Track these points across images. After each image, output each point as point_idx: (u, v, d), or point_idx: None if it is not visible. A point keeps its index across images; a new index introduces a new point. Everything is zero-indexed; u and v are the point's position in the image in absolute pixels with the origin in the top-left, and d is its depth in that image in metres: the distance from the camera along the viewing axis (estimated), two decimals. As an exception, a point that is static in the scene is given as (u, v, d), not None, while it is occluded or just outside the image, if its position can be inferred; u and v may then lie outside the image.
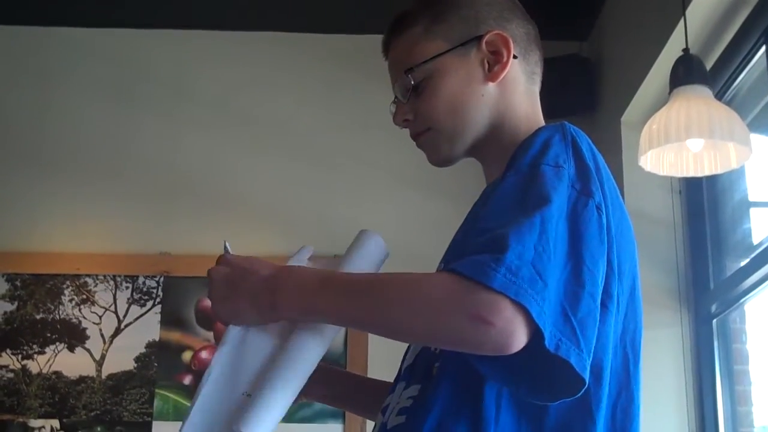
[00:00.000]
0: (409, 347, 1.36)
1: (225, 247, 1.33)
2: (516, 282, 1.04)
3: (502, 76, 1.39)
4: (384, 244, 1.29)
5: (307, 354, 1.21)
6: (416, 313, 1.11)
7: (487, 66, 1.39)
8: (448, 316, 1.08)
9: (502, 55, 1.38)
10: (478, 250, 1.09)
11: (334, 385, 1.60)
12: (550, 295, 1.07)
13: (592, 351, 1.10)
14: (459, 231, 1.37)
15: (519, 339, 1.05)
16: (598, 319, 1.13)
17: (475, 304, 1.05)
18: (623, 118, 3.28)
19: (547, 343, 1.04)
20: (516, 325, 1.04)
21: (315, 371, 1.31)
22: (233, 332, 1.24)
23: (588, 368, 1.08)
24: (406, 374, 1.31)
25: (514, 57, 1.39)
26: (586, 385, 1.08)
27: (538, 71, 1.46)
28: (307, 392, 1.52)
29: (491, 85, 1.39)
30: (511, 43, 1.39)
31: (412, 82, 1.39)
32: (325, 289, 1.19)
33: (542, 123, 1.43)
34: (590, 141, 1.26)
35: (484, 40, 1.39)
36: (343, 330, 1.26)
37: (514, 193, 1.16)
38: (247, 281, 1.24)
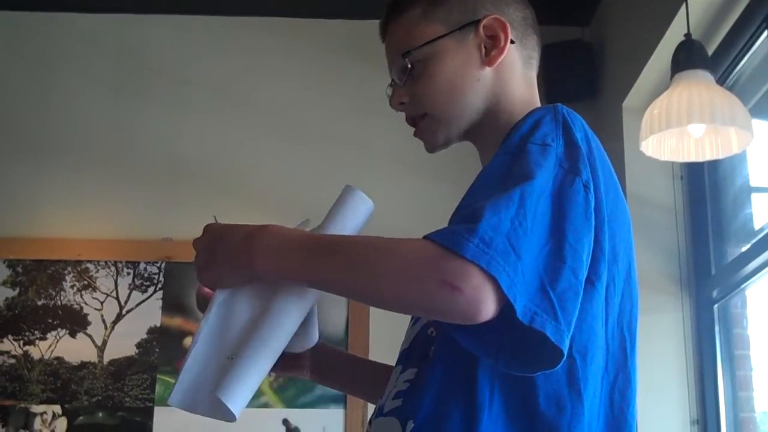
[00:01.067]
0: (407, 331, 1.36)
1: (214, 221, 1.34)
2: (488, 252, 1.04)
3: (498, 61, 1.38)
4: (366, 199, 1.29)
5: (286, 317, 1.21)
6: (387, 277, 1.12)
7: (484, 50, 1.39)
8: (418, 281, 1.08)
9: (499, 40, 1.38)
10: (455, 221, 1.11)
11: (336, 367, 1.61)
12: (525, 268, 1.07)
13: (572, 324, 1.10)
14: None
15: (487, 308, 1.05)
16: (581, 294, 1.12)
17: (445, 271, 1.05)
18: (625, 104, 3.28)
19: (519, 315, 1.04)
20: (484, 293, 1.04)
21: (318, 354, 1.31)
22: (219, 297, 1.24)
23: (566, 340, 1.07)
24: (402, 358, 1.32)
25: (512, 42, 1.39)
26: (564, 356, 1.08)
27: (536, 56, 1.46)
28: (311, 374, 1.52)
29: (488, 69, 1.39)
30: (508, 28, 1.39)
31: (409, 66, 1.39)
32: (300, 249, 1.20)
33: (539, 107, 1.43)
34: (585, 124, 1.25)
35: (482, 25, 1.38)
36: (329, 298, 1.26)
37: (498, 171, 1.16)
38: (225, 243, 1.25)
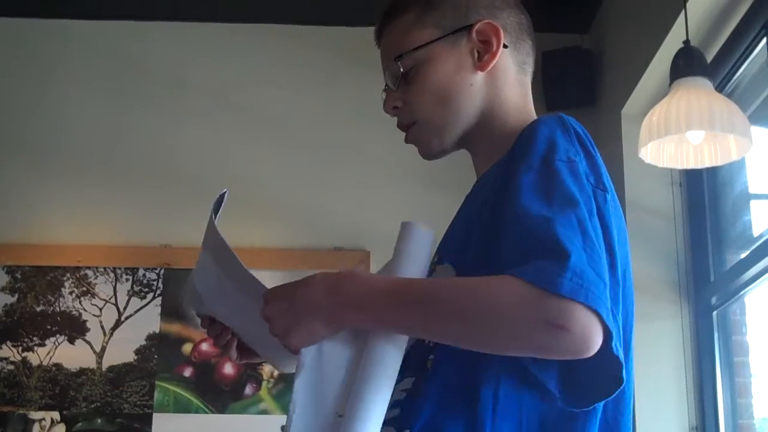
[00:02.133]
0: None
1: (222, 198, 1.35)
2: (583, 285, 1.05)
3: (491, 66, 1.38)
4: (427, 232, 1.24)
5: (388, 362, 1.17)
6: (490, 325, 1.11)
7: (476, 55, 1.38)
8: (525, 325, 1.08)
9: (492, 45, 1.38)
10: (530, 254, 1.09)
11: None
12: (612, 293, 1.10)
13: None
14: (455, 225, 1.38)
15: (595, 342, 1.06)
16: None
17: (550, 312, 1.05)
18: (624, 110, 3.28)
19: (613, 343, 1.07)
20: (591, 329, 1.06)
21: None
22: (308, 354, 1.20)
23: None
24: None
25: (505, 46, 1.39)
26: (623, 386, 1.11)
27: (530, 61, 1.46)
28: None
29: (480, 74, 1.38)
30: (501, 33, 1.38)
31: (402, 70, 1.39)
32: (391, 299, 1.17)
33: (533, 113, 1.43)
34: (585, 129, 1.26)
35: (475, 29, 1.38)
36: None
37: (538, 193, 1.15)
38: (305, 303, 1.21)
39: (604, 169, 1.23)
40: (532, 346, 1.10)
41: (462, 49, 1.39)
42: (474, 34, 1.38)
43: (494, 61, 1.38)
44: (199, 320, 1.49)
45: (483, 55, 1.38)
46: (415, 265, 1.22)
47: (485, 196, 1.29)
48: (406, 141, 1.45)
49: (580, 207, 1.13)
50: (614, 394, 1.11)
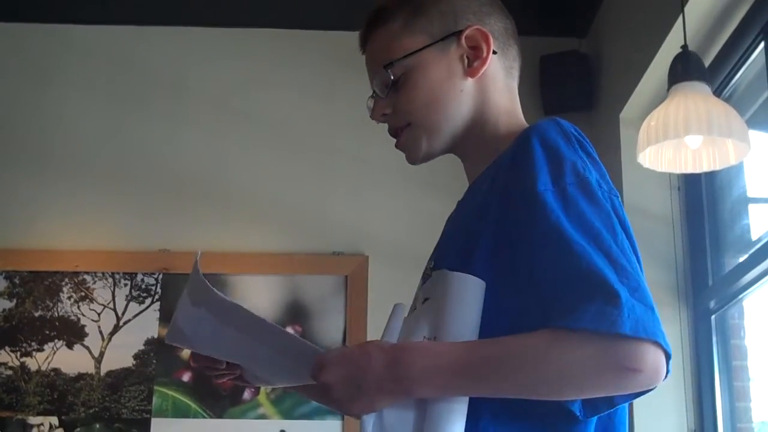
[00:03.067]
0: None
1: (196, 262, 1.34)
2: (639, 321, 1.08)
3: (481, 72, 1.39)
4: (478, 281, 1.21)
5: (453, 422, 1.16)
6: (568, 383, 1.13)
7: (466, 61, 1.39)
8: (602, 376, 1.10)
9: (482, 51, 1.39)
10: (579, 297, 1.10)
11: None
12: (654, 308, 1.12)
13: None
14: (450, 231, 1.39)
15: (663, 374, 1.12)
16: None
17: (623, 358, 1.09)
18: (622, 115, 3.28)
19: (668, 363, 1.13)
20: (659, 363, 1.11)
21: None
22: (370, 421, 1.20)
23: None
24: None
25: (494, 52, 1.39)
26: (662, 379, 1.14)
27: (516, 66, 1.46)
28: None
29: (470, 80, 1.39)
30: (490, 39, 1.39)
31: (392, 77, 1.39)
32: (459, 376, 1.15)
33: (522, 117, 1.43)
34: (581, 131, 1.27)
35: (464, 35, 1.39)
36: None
37: (561, 225, 1.14)
38: (368, 376, 1.18)
39: (605, 171, 1.24)
40: (607, 391, 1.13)
41: (451, 56, 1.39)
42: (463, 41, 1.39)
43: (485, 68, 1.39)
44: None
45: (473, 61, 1.39)
46: (470, 318, 1.20)
47: (481, 202, 1.29)
48: (397, 146, 1.45)
49: (603, 236, 1.15)
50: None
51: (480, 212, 1.27)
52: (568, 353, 1.10)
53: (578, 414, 1.16)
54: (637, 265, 1.16)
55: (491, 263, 1.21)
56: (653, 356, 1.09)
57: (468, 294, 1.20)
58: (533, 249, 1.16)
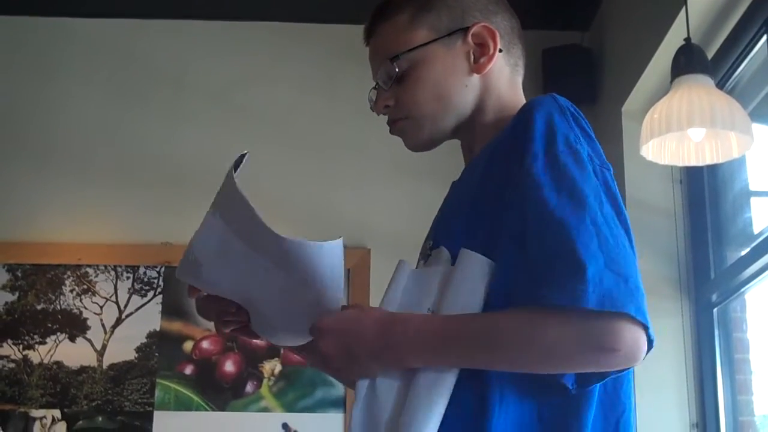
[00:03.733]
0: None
1: (241, 161, 1.32)
2: (605, 294, 1.09)
3: (487, 69, 1.40)
4: (483, 259, 1.23)
5: (440, 388, 1.20)
6: (547, 360, 1.15)
7: (472, 58, 1.40)
8: (577, 356, 1.13)
9: (489, 48, 1.39)
10: (552, 272, 1.12)
11: None
12: (636, 281, 1.13)
13: None
14: (447, 210, 1.40)
15: (642, 353, 1.12)
16: None
17: (595, 338, 1.11)
18: (624, 108, 3.28)
19: (650, 331, 1.12)
20: (637, 341, 1.11)
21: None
22: (364, 385, 1.26)
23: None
24: None
25: (500, 50, 1.40)
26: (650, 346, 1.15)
27: (521, 63, 1.47)
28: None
29: (476, 76, 1.40)
30: (497, 36, 1.40)
31: (397, 70, 1.39)
32: (446, 347, 1.20)
33: None
34: (577, 108, 1.28)
35: (471, 32, 1.40)
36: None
37: (549, 195, 1.17)
38: (362, 346, 1.24)
39: (600, 147, 1.26)
40: (586, 368, 1.15)
41: (457, 51, 1.40)
42: (470, 37, 1.40)
43: (491, 64, 1.40)
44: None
45: (479, 57, 1.40)
46: (475, 295, 1.23)
47: (478, 182, 1.30)
48: (392, 132, 1.46)
49: (590, 203, 1.15)
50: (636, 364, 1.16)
51: (477, 191, 1.29)
52: (545, 331, 1.13)
53: (570, 387, 1.17)
54: (626, 238, 1.17)
55: (490, 240, 1.23)
56: (631, 334, 1.10)
57: (473, 272, 1.23)
58: (524, 223, 1.18)
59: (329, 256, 1.26)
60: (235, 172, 1.31)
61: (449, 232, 1.32)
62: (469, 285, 1.23)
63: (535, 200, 1.17)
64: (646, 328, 1.11)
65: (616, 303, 1.09)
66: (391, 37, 1.42)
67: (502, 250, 1.21)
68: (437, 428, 1.17)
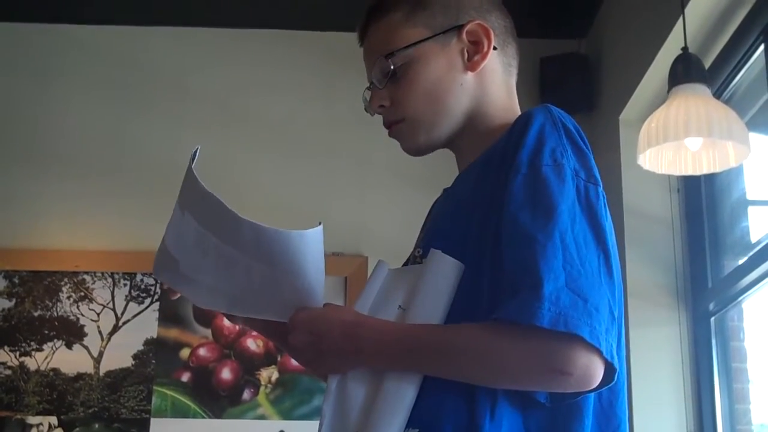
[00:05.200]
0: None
1: (194, 156, 1.34)
2: (560, 312, 1.09)
3: (481, 67, 1.40)
4: (455, 263, 1.26)
5: (406, 386, 1.22)
6: (500, 377, 1.17)
7: (466, 56, 1.40)
8: (530, 375, 1.14)
9: (483, 46, 1.39)
10: (515, 286, 1.13)
11: None
12: (596, 303, 1.12)
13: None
14: (438, 220, 1.41)
15: (596, 379, 1.12)
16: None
17: (548, 360, 1.11)
18: (622, 117, 3.29)
19: (605, 354, 1.11)
20: (591, 367, 1.11)
21: None
22: (334, 381, 1.29)
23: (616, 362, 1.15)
24: None
25: (494, 48, 1.40)
26: (616, 379, 1.15)
27: (515, 64, 1.47)
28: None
29: (470, 74, 1.40)
30: (492, 34, 1.40)
31: (392, 67, 1.39)
32: (406, 353, 1.23)
33: (518, 112, 1.43)
34: (573, 119, 1.28)
35: (465, 30, 1.40)
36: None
37: (524, 208, 1.18)
38: (328, 344, 1.27)
39: (593, 163, 1.25)
40: (541, 387, 1.16)
41: (452, 49, 1.40)
42: (464, 35, 1.40)
43: (484, 62, 1.40)
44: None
45: (473, 55, 1.40)
46: (442, 296, 1.25)
47: (471, 192, 1.31)
48: (390, 135, 1.46)
49: (562, 218, 1.15)
50: (611, 383, 1.16)
51: (470, 200, 1.30)
52: (499, 348, 1.14)
53: (543, 401, 1.17)
54: (595, 258, 1.17)
55: (478, 249, 1.23)
56: (585, 360, 1.10)
57: (444, 272, 1.25)
58: (501, 237, 1.19)
59: (310, 242, 1.27)
60: (192, 167, 1.33)
61: (439, 240, 1.32)
62: (438, 285, 1.24)
63: (509, 214, 1.18)
64: (601, 353, 1.11)
65: (570, 324, 1.08)
66: (385, 34, 1.42)
67: (482, 258, 1.22)
68: (401, 431, 1.19)
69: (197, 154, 1.35)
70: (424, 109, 1.40)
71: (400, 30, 1.40)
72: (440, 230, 1.37)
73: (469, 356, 1.17)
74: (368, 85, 1.45)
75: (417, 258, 1.35)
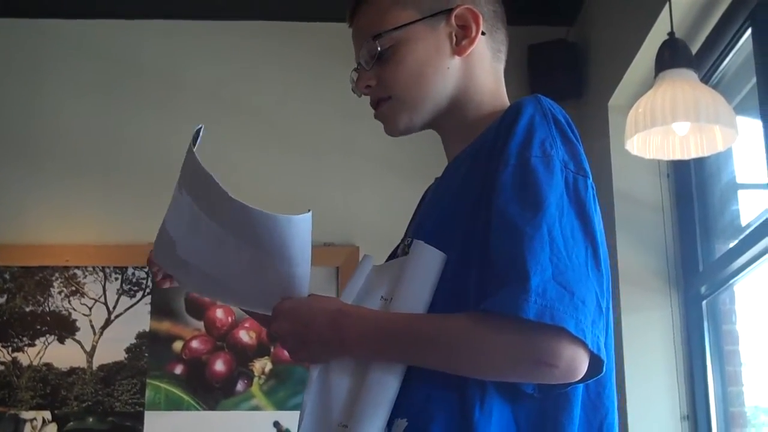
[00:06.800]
0: None
1: (197, 135, 1.34)
2: (547, 305, 1.09)
3: (469, 51, 1.40)
4: (437, 252, 1.26)
5: (390, 378, 1.22)
6: (483, 368, 1.17)
7: (454, 40, 1.40)
8: (514, 366, 1.14)
9: (471, 30, 1.40)
10: (501, 279, 1.13)
11: None
12: (582, 296, 1.12)
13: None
14: (428, 209, 1.42)
15: (581, 371, 1.12)
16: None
17: (533, 351, 1.11)
18: (610, 102, 3.29)
19: (591, 347, 1.12)
20: (575, 360, 1.11)
21: None
22: (316, 371, 1.29)
23: (603, 354, 1.15)
24: None
25: (482, 33, 1.40)
26: (604, 371, 1.16)
27: (503, 50, 1.47)
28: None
29: (457, 58, 1.40)
30: (480, 19, 1.40)
31: (379, 48, 1.39)
32: (389, 343, 1.23)
33: (506, 100, 1.44)
34: (563, 109, 1.28)
35: (454, 14, 1.40)
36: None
37: (512, 198, 1.18)
38: (311, 330, 1.28)
39: (583, 154, 1.25)
40: (525, 379, 1.16)
41: (440, 33, 1.40)
42: (453, 19, 1.40)
43: (472, 47, 1.40)
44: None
45: (461, 40, 1.40)
46: (424, 286, 1.25)
47: (460, 183, 1.31)
48: (376, 117, 1.46)
49: (551, 213, 1.16)
50: (599, 375, 1.16)
51: (459, 190, 1.30)
52: (484, 339, 1.15)
53: (531, 392, 1.18)
54: (583, 251, 1.17)
55: (465, 240, 1.24)
56: (570, 352, 1.10)
57: (426, 263, 1.25)
58: (489, 229, 1.19)
59: (298, 228, 1.28)
60: (194, 147, 1.32)
61: (427, 230, 1.32)
62: (420, 275, 1.25)
63: (497, 206, 1.18)
64: (586, 345, 1.11)
65: (556, 316, 1.09)
66: (374, 16, 1.42)
67: (470, 249, 1.22)
68: (386, 422, 1.20)
69: (201, 133, 1.36)
70: (409, 89, 1.40)
71: (389, 12, 1.40)
72: (429, 220, 1.37)
73: (454, 346, 1.17)
74: (356, 66, 1.45)
75: (405, 247, 1.35)
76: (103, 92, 3.77)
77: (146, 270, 3.55)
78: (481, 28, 1.40)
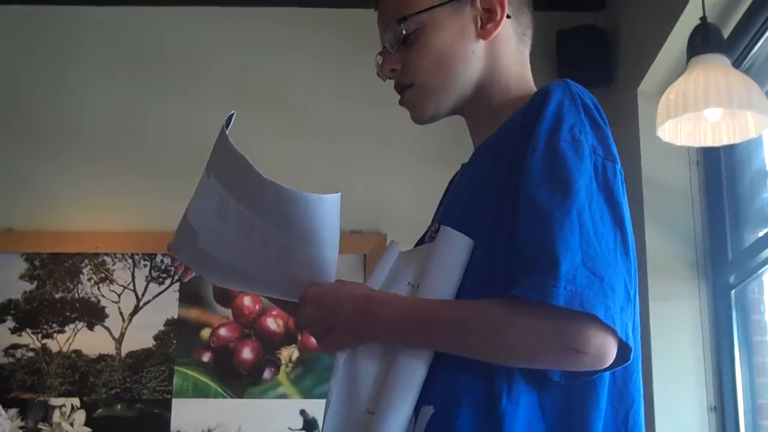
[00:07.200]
0: None
1: (229, 120, 1.34)
2: (577, 291, 1.08)
3: (494, 35, 1.39)
4: (464, 238, 1.26)
5: (417, 365, 1.22)
6: (512, 355, 1.17)
7: (479, 23, 1.39)
8: (544, 353, 1.14)
9: (496, 13, 1.39)
10: (530, 265, 1.12)
11: None
12: (611, 282, 1.11)
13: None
14: (457, 194, 1.41)
15: (609, 358, 1.12)
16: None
17: (563, 338, 1.10)
18: (640, 89, 3.26)
19: (620, 334, 1.11)
20: (605, 347, 1.10)
21: None
22: (342, 357, 1.30)
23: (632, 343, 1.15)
24: None
25: (507, 16, 1.40)
26: (631, 359, 1.15)
27: (529, 34, 1.46)
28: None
29: (482, 42, 1.39)
30: (505, 2, 1.39)
31: (404, 32, 1.39)
32: (417, 328, 1.23)
33: (532, 84, 1.44)
34: (591, 94, 1.27)
35: None
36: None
37: (541, 185, 1.17)
38: (339, 317, 1.29)
39: (611, 139, 1.24)
40: (554, 366, 1.15)
41: (465, 16, 1.39)
42: (478, 2, 1.39)
43: (497, 30, 1.39)
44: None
45: (486, 23, 1.39)
46: (451, 273, 1.25)
47: (487, 171, 1.31)
48: (401, 103, 1.46)
49: (580, 198, 1.15)
50: (626, 363, 1.16)
51: (488, 175, 1.30)
52: (513, 325, 1.14)
53: (557, 380, 1.17)
54: (612, 236, 1.16)
55: (493, 228, 1.23)
56: (599, 339, 1.09)
57: (453, 249, 1.25)
58: (518, 214, 1.18)
59: (328, 209, 1.29)
60: (226, 130, 1.31)
61: (454, 215, 1.32)
62: (448, 261, 1.25)
63: (527, 191, 1.17)
64: (615, 332, 1.10)
65: (585, 303, 1.08)
66: (399, 0, 1.41)
67: (499, 234, 1.21)
68: (413, 409, 1.19)
69: (233, 118, 1.36)
70: (434, 75, 1.39)
71: None
72: (456, 206, 1.37)
73: (483, 332, 1.17)
74: (380, 49, 1.44)
75: (432, 233, 1.35)
76: (131, 79, 3.78)
77: (173, 255, 3.55)
78: (507, 11, 1.39)
